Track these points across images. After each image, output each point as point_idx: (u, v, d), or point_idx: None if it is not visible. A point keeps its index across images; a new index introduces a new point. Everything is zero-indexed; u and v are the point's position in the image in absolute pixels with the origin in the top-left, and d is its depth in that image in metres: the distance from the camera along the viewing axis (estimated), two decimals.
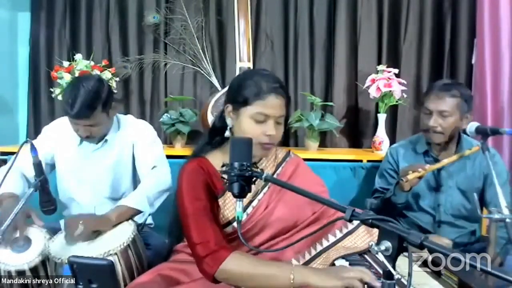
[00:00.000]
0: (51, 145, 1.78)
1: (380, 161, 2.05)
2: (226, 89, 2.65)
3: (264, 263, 1.13)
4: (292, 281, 1.05)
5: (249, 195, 1.21)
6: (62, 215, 1.83)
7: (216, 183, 1.29)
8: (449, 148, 1.81)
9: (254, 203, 1.33)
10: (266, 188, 1.35)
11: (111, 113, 1.71)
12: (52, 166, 1.82)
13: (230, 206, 1.29)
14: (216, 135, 1.38)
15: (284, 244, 1.28)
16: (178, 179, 1.29)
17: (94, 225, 1.48)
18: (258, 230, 1.31)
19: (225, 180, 0.98)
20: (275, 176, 1.38)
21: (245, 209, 1.30)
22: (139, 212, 1.62)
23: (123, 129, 1.81)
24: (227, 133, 1.32)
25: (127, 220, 1.58)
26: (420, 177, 1.64)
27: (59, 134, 1.80)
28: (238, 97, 1.28)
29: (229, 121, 1.31)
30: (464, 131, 1.71)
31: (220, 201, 1.29)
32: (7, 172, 1.36)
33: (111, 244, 1.40)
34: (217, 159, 1.32)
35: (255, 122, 1.25)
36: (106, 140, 1.76)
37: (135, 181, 1.82)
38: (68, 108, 1.59)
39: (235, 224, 1.27)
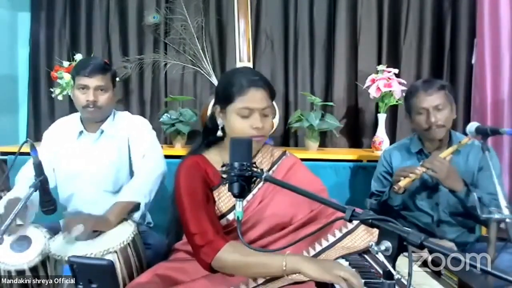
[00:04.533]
0: (52, 145, 1.81)
1: None
2: None
3: (258, 252, 1.16)
4: (284, 268, 1.12)
5: None
6: (62, 215, 1.83)
7: (212, 178, 1.34)
8: (442, 146, 1.82)
9: (249, 197, 1.35)
10: (261, 184, 1.37)
11: (115, 91, 1.81)
12: None
13: (225, 199, 1.32)
14: (209, 135, 1.43)
15: (280, 242, 1.30)
16: (176, 175, 1.33)
17: (93, 225, 1.48)
18: (251, 224, 1.33)
19: (223, 177, 0.99)
20: (270, 173, 1.40)
21: None
22: (136, 204, 1.63)
23: (119, 122, 1.84)
24: (218, 133, 1.37)
25: (128, 214, 1.60)
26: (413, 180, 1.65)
27: (58, 132, 1.84)
28: (223, 97, 1.34)
29: (219, 121, 1.37)
30: (464, 132, 1.71)
31: (215, 193, 1.33)
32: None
33: (111, 242, 1.40)
34: (213, 156, 1.39)
35: (241, 117, 1.30)
36: (102, 131, 1.79)
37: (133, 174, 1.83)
38: (81, 66, 1.73)
39: (228, 217, 1.32)
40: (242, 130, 1.29)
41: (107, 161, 1.77)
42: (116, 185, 1.79)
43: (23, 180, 1.73)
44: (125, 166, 1.81)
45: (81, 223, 1.45)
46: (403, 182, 1.63)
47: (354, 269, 1.14)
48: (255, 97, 1.29)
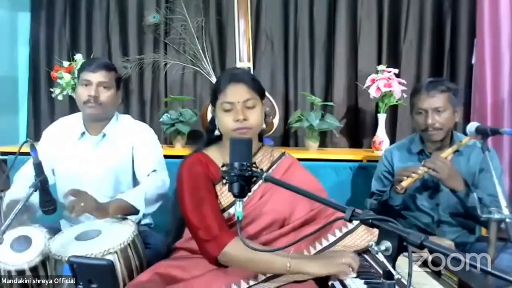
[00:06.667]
0: (53, 145, 1.79)
1: None
2: None
3: (264, 249, 1.22)
4: (288, 268, 1.18)
5: None
6: (62, 215, 1.83)
7: (214, 173, 1.38)
8: (443, 146, 1.82)
9: (249, 193, 1.34)
10: (261, 181, 1.37)
11: (118, 94, 1.81)
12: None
13: (227, 194, 1.35)
14: (211, 134, 1.48)
15: (281, 240, 1.33)
16: (179, 172, 1.37)
17: (91, 209, 1.47)
18: (250, 219, 1.35)
19: (223, 176, 1.00)
20: (269, 172, 1.43)
21: None
22: (135, 210, 1.61)
23: (122, 126, 1.82)
24: (216, 132, 1.43)
25: (122, 215, 1.58)
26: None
27: (59, 132, 1.83)
28: (211, 96, 1.44)
29: (215, 120, 1.43)
30: (464, 132, 1.72)
31: (217, 188, 1.37)
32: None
33: (111, 243, 1.40)
34: (214, 153, 1.43)
35: (224, 112, 1.36)
36: (104, 135, 1.77)
37: (135, 181, 1.81)
38: (87, 63, 1.79)
39: (230, 211, 1.35)
40: (226, 124, 1.35)
41: (108, 166, 1.76)
42: (117, 191, 1.77)
43: (21, 179, 1.73)
44: (127, 173, 1.79)
45: (84, 205, 1.44)
46: (405, 182, 1.63)
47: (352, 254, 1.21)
48: (233, 91, 1.35)
